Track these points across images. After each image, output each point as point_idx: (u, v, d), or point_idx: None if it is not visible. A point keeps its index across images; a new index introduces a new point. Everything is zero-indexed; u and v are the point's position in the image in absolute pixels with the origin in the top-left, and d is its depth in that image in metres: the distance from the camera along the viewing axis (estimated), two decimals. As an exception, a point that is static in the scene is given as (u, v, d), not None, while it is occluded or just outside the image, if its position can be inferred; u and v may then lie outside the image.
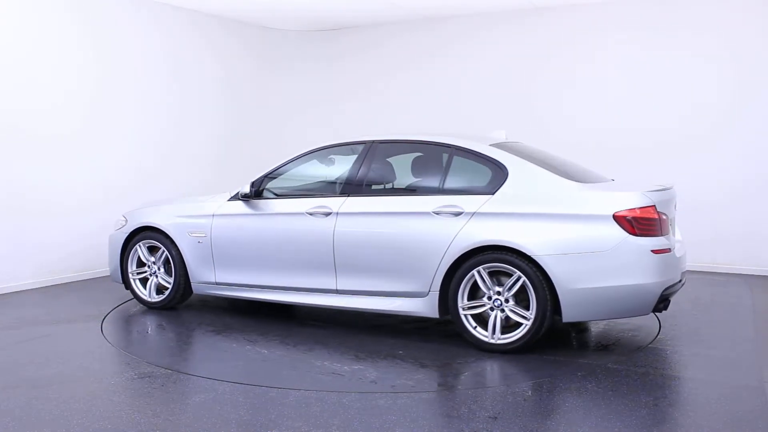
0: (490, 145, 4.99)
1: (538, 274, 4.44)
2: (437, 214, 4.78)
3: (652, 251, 4.37)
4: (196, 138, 8.63)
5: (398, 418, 3.48)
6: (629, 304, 4.46)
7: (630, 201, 4.43)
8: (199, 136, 8.69)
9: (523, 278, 4.47)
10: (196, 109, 8.64)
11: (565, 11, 8.36)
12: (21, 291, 6.66)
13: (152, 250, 5.97)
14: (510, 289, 4.54)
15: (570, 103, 8.43)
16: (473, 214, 4.66)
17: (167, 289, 5.86)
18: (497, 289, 4.58)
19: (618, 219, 4.36)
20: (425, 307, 4.82)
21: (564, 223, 4.48)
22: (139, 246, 5.94)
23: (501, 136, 5.35)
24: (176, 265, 5.74)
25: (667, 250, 4.46)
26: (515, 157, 4.85)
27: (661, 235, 4.46)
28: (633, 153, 8.09)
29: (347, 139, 5.57)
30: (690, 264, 7.74)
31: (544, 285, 4.44)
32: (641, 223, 4.38)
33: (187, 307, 6.15)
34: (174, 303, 5.88)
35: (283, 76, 9.96)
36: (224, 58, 9.07)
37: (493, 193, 4.71)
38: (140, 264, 6.00)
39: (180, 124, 8.42)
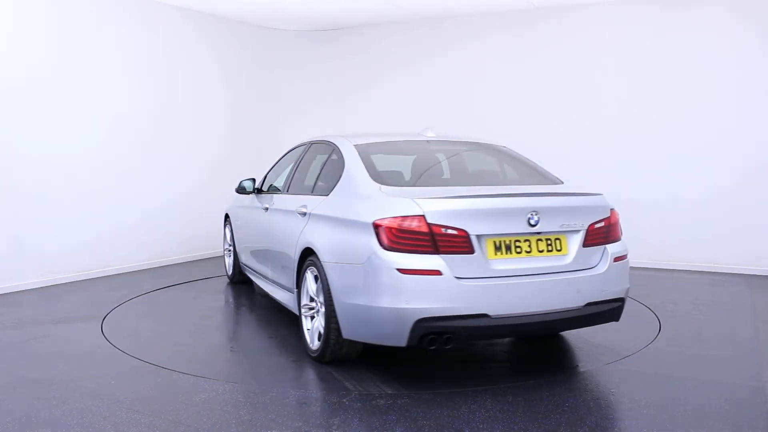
0: (357, 144, 4.76)
1: (326, 280, 4.16)
2: (297, 213, 4.85)
3: (399, 270, 3.73)
4: (194, 138, 8.64)
5: (398, 418, 3.47)
6: (382, 330, 3.86)
7: (394, 209, 3.86)
8: (198, 136, 8.70)
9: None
10: (194, 108, 8.65)
11: (565, 11, 8.36)
12: (21, 291, 6.66)
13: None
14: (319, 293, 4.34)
15: (571, 103, 8.43)
16: (310, 215, 4.63)
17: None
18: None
19: (376, 228, 3.85)
20: (293, 303, 4.86)
21: (342, 229, 4.15)
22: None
23: (430, 134, 5.18)
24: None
25: (431, 272, 3.72)
26: (356, 156, 4.58)
27: (432, 253, 3.76)
28: (634, 154, 8.10)
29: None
30: (690, 264, 7.84)
31: (330, 293, 4.13)
32: (397, 236, 3.77)
33: (187, 307, 6.15)
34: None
35: (282, 76, 9.96)
36: (222, 58, 9.08)
37: (328, 194, 4.61)
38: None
39: (179, 124, 8.43)
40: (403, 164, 4.78)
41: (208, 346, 4.90)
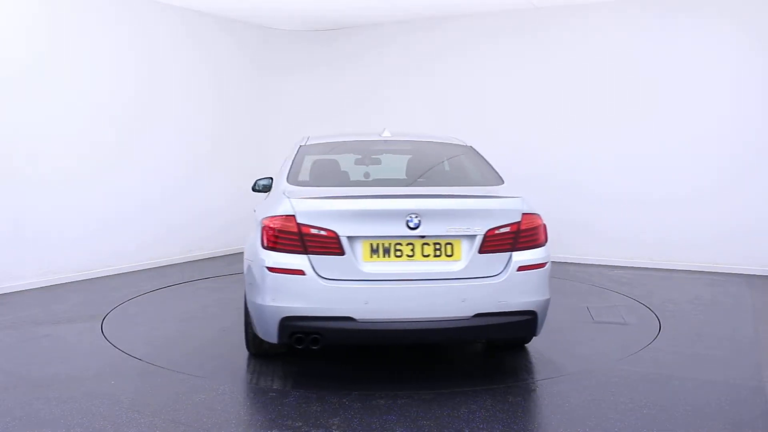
0: (304, 144, 4.87)
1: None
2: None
3: (268, 268, 3.79)
4: (192, 138, 8.64)
5: (398, 418, 3.47)
6: (261, 327, 3.94)
7: (276, 209, 3.92)
8: (199, 136, 8.70)
9: None
10: (191, 105, 8.65)
11: (565, 11, 8.36)
12: (21, 291, 6.66)
13: None
14: None
15: (571, 103, 8.43)
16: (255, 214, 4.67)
17: None
18: None
19: (261, 228, 3.93)
20: None
21: (253, 228, 4.21)
22: None
23: (386, 134, 5.09)
24: None
25: (294, 272, 3.75)
26: (292, 156, 4.66)
27: (301, 253, 3.76)
28: (634, 154, 8.11)
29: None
30: (690, 264, 7.84)
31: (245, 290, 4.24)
32: (274, 236, 3.82)
33: (186, 307, 6.15)
34: None
35: (278, 75, 9.95)
36: (220, 58, 9.08)
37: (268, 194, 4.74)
38: None
39: (178, 124, 8.43)
40: (342, 164, 4.82)
41: (209, 346, 4.89)
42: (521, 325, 3.95)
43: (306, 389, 3.91)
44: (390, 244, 3.80)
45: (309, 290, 3.74)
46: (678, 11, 7.82)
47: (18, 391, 3.92)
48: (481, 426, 3.39)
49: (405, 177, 4.85)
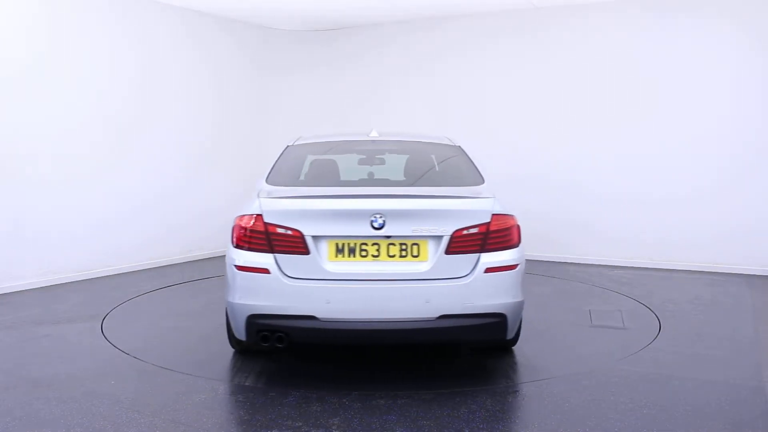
0: (293, 144, 4.97)
1: None
2: None
3: (236, 267, 3.89)
4: (192, 138, 8.64)
5: (398, 418, 3.47)
6: (232, 323, 4.04)
7: (247, 208, 3.98)
8: (199, 136, 8.70)
9: None
10: (192, 107, 8.64)
11: (565, 12, 8.37)
12: (21, 291, 6.66)
13: None
14: None
15: (570, 103, 8.44)
16: None
17: None
18: None
19: (233, 227, 4.02)
20: None
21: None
22: None
23: (373, 134, 5.12)
24: None
25: (260, 270, 3.81)
26: (278, 156, 4.75)
27: (267, 252, 3.82)
28: (634, 154, 8.11)
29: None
30: (690, 264, 7.84)
31: None
32: (243, 235, 3.91)
33: (186, 307, 6.15)
34: None
35: (281, 76, 9.96)
36: (220, 58, 9.07)
37: None
38: None
39: (178, 124, 8.43)
40: (325, 164, 4.87)
41: (209, 346, 4.89)
42: (490, 328, 3.88)
43: (306, 389, 3.91)
44: (355, 243, 3.81)
45: (274, 289, 3.79)
46: (678, 11, 7.83)
47: (18, 391, 3.92)
48: (481, 426, 3.39)
49: (386, 177, 4.87)
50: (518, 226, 4.03)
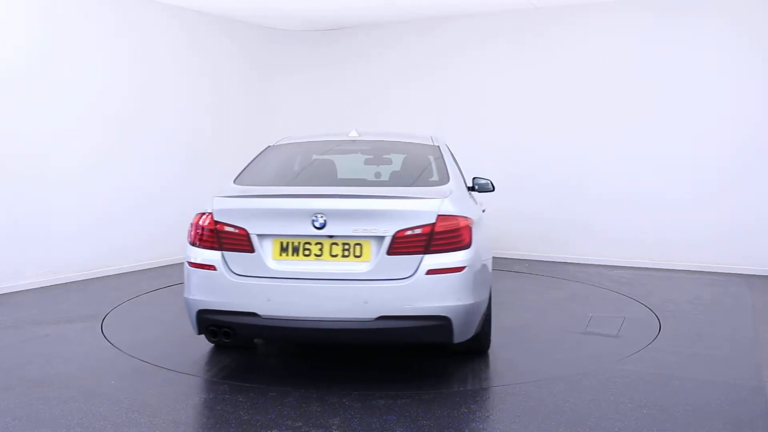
0: (273, 144, 5.10)
1: None
2: None
3: (189, 263, 4.01)
4: (192, 138, 8.64)
5: (398, 418, 3.47)
6: (188, 316, 4.10)
7: (203, 207, 4.11)
8: (198, 136, 8.70)
9: None
10: (192, 106, 8.64)
11: (565, 12, 8.37)
12: (21, 291, 6.66)
13: None
14: None
15: (570, 103, 8.44)
16: None
17: None
18: None
19: (190, 225, 4.12)
20: None
21: None
22: None
23: (353, 134, 5.13)
24: None
25: (207, 267, 3.92)
26: (261, 155, 4.90)
27: (216, 249, 3.92)
28: (634, 154, 8.11)
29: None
30: (690, 264, 7.84)
31: None
32: (196, 232, 4.04)
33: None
34: None
35: (280, 76, 9.96)
36: (220, 58, 9.07)
37: None
38: None
39: (178, 123, 8.43)
40: (298, 165, 4.90)
41: (209, 346, 4.89)
42: (432, 331, 3.79)
43: (306, 389, 3.91)
44: (299, 243, 3.85)
45: (219, 285, 3.89)
46: (678, 11, 7.83)
47: (18, 391, 3.92)
48: (481, 426, 3.38)
49: (352, 177, 4.88)
50: (468, 228, 3.90)
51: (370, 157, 5.05)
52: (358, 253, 3.81)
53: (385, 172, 4.87)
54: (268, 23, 9.55)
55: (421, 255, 3.76)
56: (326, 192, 4.12)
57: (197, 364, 4.47)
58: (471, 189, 6.06)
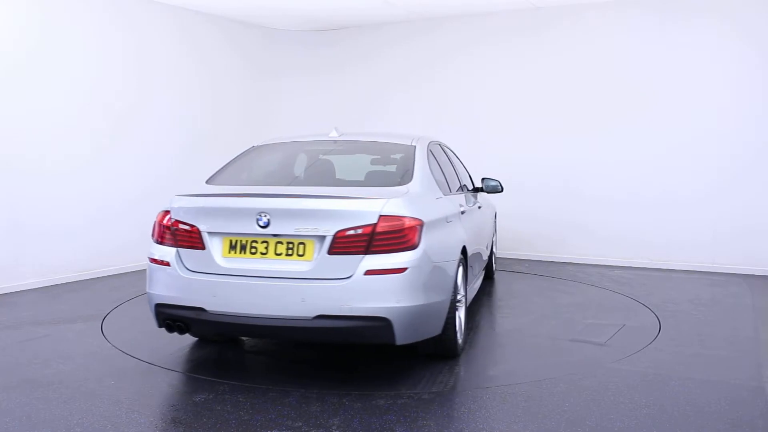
0: (258, 144, 5.21)
1: None
2: None
3: (150, 259, 4.19)
4: (192, 138, 8.64)
5: (398, 418, 3.47)
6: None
7: (167, 205, 4.28)
8: (198, 136, 8.70)
9: None
10: (192, 106, 8.65)
11: (565, 12, 8.37)
12: (21, 291, 6.66)
13: None
14: None
15: (570, 103, 8.44)
16: None
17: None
18: None
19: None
20: None
21: None
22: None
23: (333, 134, 5.16)
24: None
25: (163, 263, 4.07)
26: (240, 156, 5.01)
27: (173, 246, 4.09)
28: (635, 154, 8.11)
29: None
30: (689, 264, 7.85)
31: None
32: (158, 230, 4.25)
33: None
34: None
35: (281, 76, 9.96)
36: (220, 58, 9.08)
37: None
38: None
39: (177, 123, 8.43)
40: (272, 165, 4.99)
41: (208, 346, 4.89)
42: (372, 331, 3.78)
43: (306, 389, 3.91)
44: (247, 241, 3.95)
45: (172, 280, 4.05)
46: (678, 11, 7.83)
47: (18, 391, 3.92)
48: (481, 426, 3.38)
49: (314, 176, 4.91)
50: (413, 228, 3.84)
51: (342, 157, 5.08)
52: (301, 252, 3.86)
53: (351, 172, 4.89)
54: (266, 23, 9.55)
55: (362, 255, 3.77)
56: (272, 192, 4.19)
57: (197, 364, 4.47)
58: (479, 190, 6.11)
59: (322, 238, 3.80)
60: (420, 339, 4.01)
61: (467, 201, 5.47)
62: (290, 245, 3.87)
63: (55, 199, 7.01)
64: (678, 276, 7.56)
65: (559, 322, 5.52)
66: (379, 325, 3.74)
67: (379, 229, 3.78)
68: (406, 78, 9.38)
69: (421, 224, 3.89)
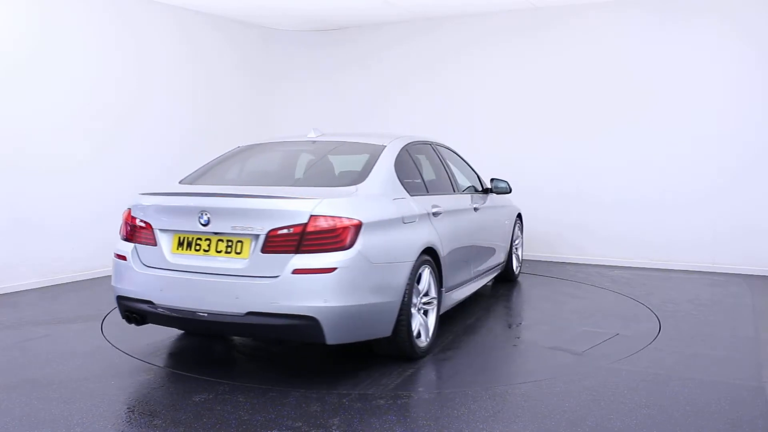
0: (242, 144, 5.39)
1: None
2: None
3: (114, 254, 4.44)
4: (192, 138, 8.64)
5: (398, 418, 3.47)
6: None
7: (131, 202, 4.48)
8: (198, 136, 8.70)
9: None
10: (192, 106, 8.65)
11: (565, 12, 8.37)
12: (21, 291, 6.66)
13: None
14: None
15: (570, 104, 8.44)
16: None
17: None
18: None
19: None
20: None
21: None
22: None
23: (311, 135, 5.24)
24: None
25: (121, 257, 4.35)
26: (222, 157, 5.17)
27: (131, 242, 4.32)
28: (635, 154, 8.11)
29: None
30: (690, 264, 7.85)
31: None
32: (123, 226, 4.47)
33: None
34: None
35: (281, 76, 9.95)
36: (220, 58, 9.07)
37: None
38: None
39: (177, 123, 8.43)
40: (246, 165, 5.10)
41: (208, 346, 4.90)
42: (300, 330, 3.83)
43: (306, 389, 3.91)
44: (192, 238, 4.13)
45: (129, 274, 4.28)
46: (678, 11, 7.83)
47: (18, 391, 3.92)
48: (481, 426, 3.38)
49: (273, 176, 4.98)
50: (345, 228, 3.86)
51: (312, 157, 5.11)
52: (239, 250, 3.99)
53: (312, 171, 4.91)
54: (265, 23, 9.55)
55: (292, 254, 3.83)
56: (213, 191, 4.33)
57: (197, 364, 4.47)
58: (488, 191, 6.12)
59: (257, 236, 3.92)
60: (359, 339, 4.06)
61: (463, 201, 5.47)
62: (230, 243, 4.01)
63: (55, 199, 7.01)
64: (678, 276, 7.56)
65: (557, 322, 5.52)
66: (307, 323, 3.80)
67: (309, 228, 3.84)
68: (406, 78, 9.38)
69: (358, 225, 3.91)
